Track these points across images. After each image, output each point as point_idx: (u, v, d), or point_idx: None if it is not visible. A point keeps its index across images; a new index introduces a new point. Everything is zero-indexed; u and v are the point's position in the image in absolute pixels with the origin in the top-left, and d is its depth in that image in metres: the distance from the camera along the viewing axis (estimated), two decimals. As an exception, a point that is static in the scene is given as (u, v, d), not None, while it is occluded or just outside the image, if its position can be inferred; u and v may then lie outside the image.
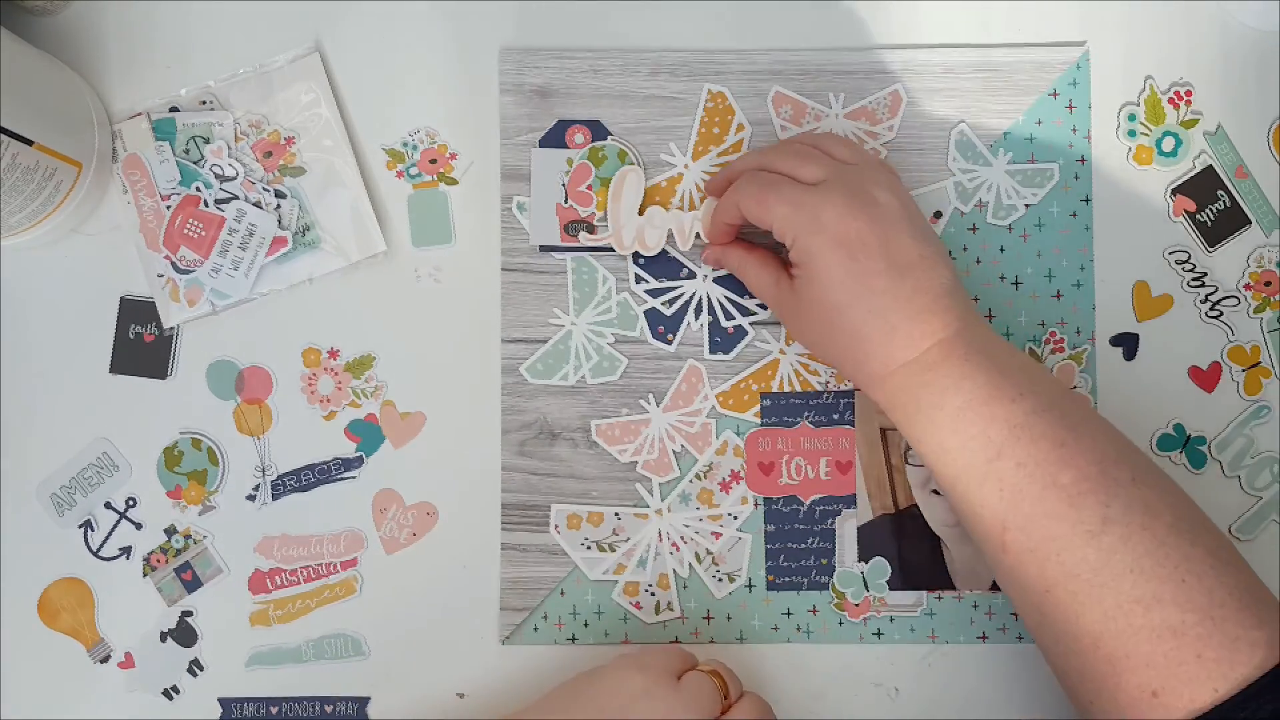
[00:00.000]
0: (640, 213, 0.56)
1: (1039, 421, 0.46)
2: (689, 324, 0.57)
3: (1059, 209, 0.57)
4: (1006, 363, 0.48)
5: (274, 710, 0.56)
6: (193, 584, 0.56)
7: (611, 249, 0.56)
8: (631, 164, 0.56)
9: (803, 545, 0.56)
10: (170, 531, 0.56)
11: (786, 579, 0.56)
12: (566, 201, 0.56)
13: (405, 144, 0.57)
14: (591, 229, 0.56)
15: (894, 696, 0.56)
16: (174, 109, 0.56)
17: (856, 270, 0.48)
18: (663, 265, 0.57)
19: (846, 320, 0.49)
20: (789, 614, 0.56)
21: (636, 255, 0.56)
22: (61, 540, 0.56)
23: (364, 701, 0.56)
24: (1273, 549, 0.56)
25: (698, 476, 0.56)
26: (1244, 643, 0.43)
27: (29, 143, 0.50)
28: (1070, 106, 0.57)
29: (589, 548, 0.56)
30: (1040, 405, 0.47)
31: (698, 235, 0.56)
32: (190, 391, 0.56)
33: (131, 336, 0.56)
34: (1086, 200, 0.57)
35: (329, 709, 0.56)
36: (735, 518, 0.56)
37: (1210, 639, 0.43)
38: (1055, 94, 0.57)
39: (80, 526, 0.56)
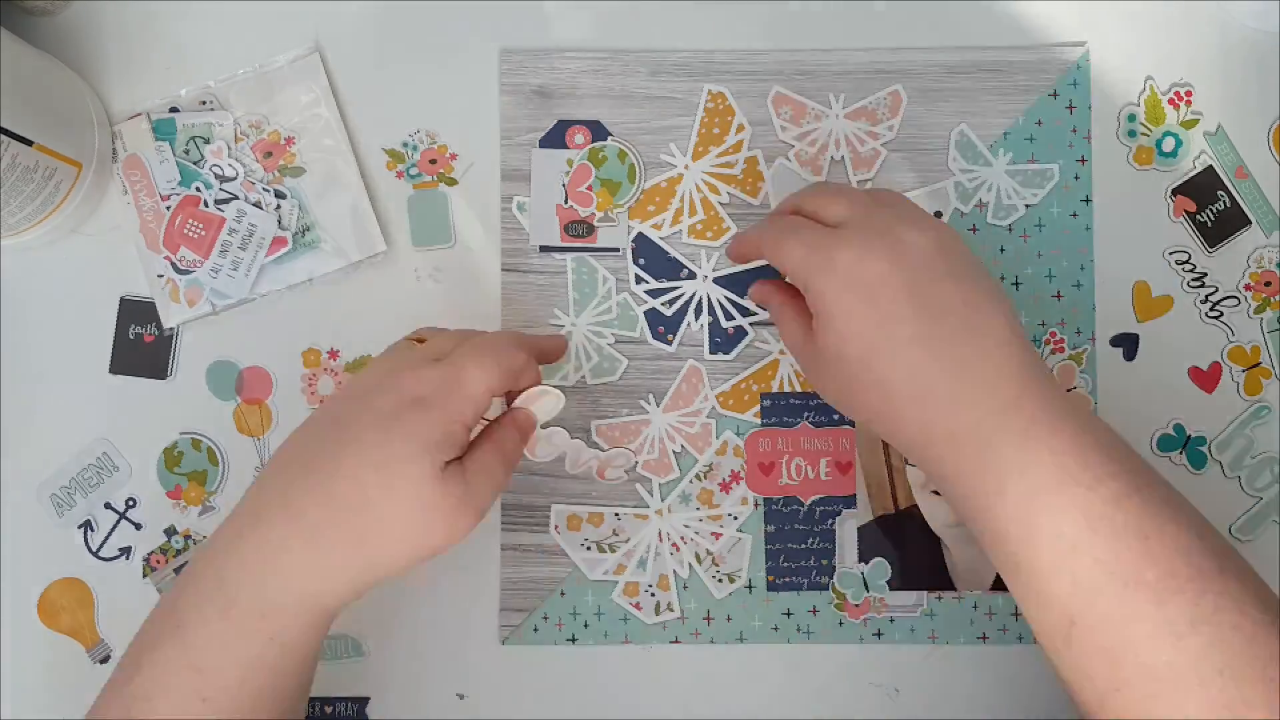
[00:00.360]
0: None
1: (1120, 512, 0.41)
2: (689, 324, 0.57)
3: (1059, 209, 0.57)
4: (1078, 437, 0.42)
5: (274, 710, 0.56)
6: (193, 584, 0.56)
7: (616, 249, 0.56)
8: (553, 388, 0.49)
9: (803, 546, 0.56)
10: (170, 532, 0.56)
11: (786, 579, 0.56)
12: (566, 202, 0.56)
13: (405, 144, 0.57)
14: (592, 229, 0.56)
15: (894, 696, 0.56)
16: (174, 109, 0.56)
17: (876, 317, 0.43)
18: (663, 265, 0.57)
19: (869, 376, 0.43)
20: (789, 614, 0.56)
21: (636, 255, 0.56)
22: (61, 540, 0.56)
23: (364, 702, 0.56)
24: (1273, 549, 0.56)
25: (698, 477, 0.56)
26: None
27: (29, 143, 0.50)
28: (1070, 107, 0.57)
29: (589, 548, 0.56)
30: (1121, 491, 0.41)
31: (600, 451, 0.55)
32: (190, 392, 0.56)
33: (131, 337, 0.56)
34: (1087, 201, 0.57)
35: (329, 709, 0.56)
36: (735, 518, 0.56)
37: None
38: (1055, 94, 0.57)
39: (80, 527, 0.56)
